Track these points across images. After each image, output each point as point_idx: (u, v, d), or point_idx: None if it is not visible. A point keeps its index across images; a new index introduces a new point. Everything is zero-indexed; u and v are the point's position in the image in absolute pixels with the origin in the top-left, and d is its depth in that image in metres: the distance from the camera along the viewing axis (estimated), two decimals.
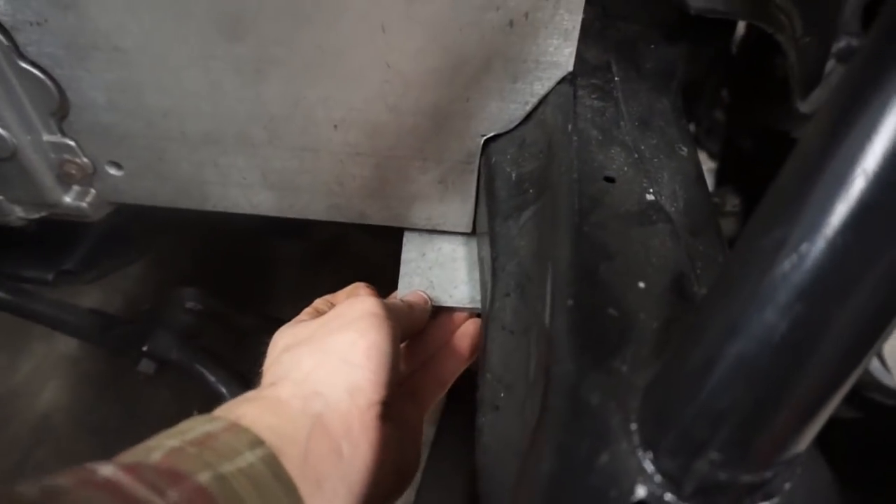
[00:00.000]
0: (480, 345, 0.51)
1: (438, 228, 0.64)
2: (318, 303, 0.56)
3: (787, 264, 0.25)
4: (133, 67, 0.53)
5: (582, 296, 0.35)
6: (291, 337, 0.47)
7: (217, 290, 0.81)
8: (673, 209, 0.42)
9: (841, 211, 0.25)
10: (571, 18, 0.47)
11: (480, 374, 0.47)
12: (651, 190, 0.43)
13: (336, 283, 0.60)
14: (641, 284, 0.36)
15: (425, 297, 0.59)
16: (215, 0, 0.48)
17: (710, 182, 1.24)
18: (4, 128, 0.56)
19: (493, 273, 0.48)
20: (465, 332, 0.60)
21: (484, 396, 0.44)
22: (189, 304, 0.74)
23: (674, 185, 0.43)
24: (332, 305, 0.55)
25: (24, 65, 0.53)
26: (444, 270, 0.63)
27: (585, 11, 0.48)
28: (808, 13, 0.61)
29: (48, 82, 0.54)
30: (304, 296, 0.58)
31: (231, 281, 1.28)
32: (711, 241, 0.41)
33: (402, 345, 0.58)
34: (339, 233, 1.39)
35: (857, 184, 0.24)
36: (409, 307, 0.56)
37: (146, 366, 0.70)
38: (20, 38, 0.52)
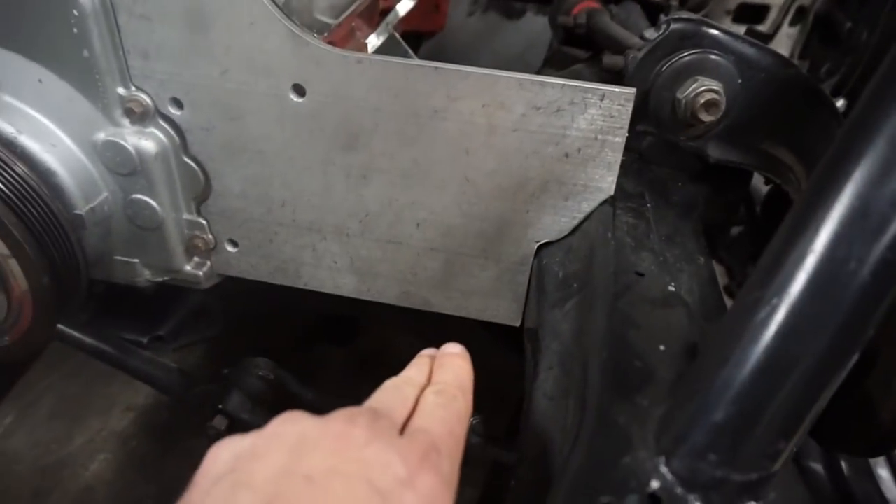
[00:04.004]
0: (523, 413, 0.59)
1: (491, 320, 0.75)
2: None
3: (763, 313, 0.36)
4: (268, 166, 0.68)
5: (613, 350, 0.45)
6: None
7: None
8: (690, 300, 0.52)
9: (801, 278, 0.35)
10: (614, 155, 0.60)
11: (522, 434, 0.55)
12: (673, 284, 0.53)
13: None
14: (662, 347, 0.46)
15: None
16: (343, 120, 0.64)
17: None
18: (159, 204, 0.70)
19: (537, 352, 0.58)
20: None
21: (526, 452, 0.53)
22: (262, 373, 0.85)
23: (692, 284, 0.54)
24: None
25: (186, 159, 0.69)
26: None
27: (625, 154, 0.62)
28: (809, 167, 0.74)
29: (200, 173, 0.70)
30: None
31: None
32: None
33: None
34: (384, 344, 1.49)
35: (810, 261, 0.35)
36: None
37: (219, 422, 0.80)
38: (189, 139, 0.68)
